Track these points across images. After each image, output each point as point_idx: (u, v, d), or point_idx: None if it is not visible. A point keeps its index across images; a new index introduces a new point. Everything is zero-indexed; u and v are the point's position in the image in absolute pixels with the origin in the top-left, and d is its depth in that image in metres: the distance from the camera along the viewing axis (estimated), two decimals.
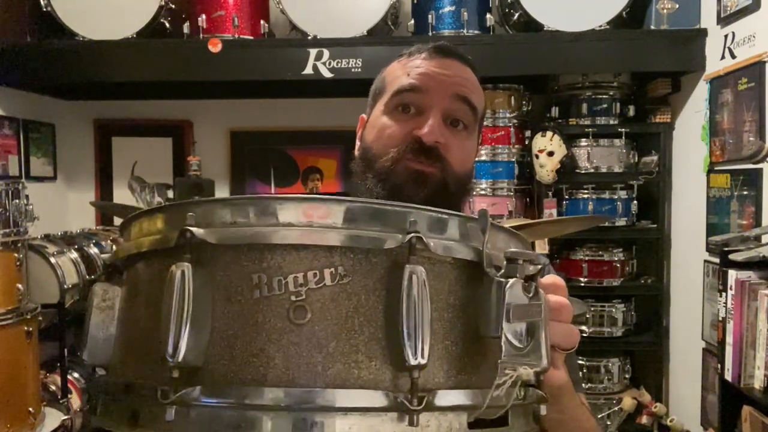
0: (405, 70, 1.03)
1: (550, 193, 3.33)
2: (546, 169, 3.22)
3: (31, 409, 2.49)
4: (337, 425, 0.54)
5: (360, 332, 0.57)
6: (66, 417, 2.71)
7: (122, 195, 3.82)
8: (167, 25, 3.28)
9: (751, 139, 2.60)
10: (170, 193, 3.81)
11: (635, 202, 3.33)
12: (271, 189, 3.86)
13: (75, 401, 2.91)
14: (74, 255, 2.98)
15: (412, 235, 0.57)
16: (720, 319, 2.28)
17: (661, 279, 3.37)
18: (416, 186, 0.98)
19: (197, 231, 0.57)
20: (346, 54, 3.10)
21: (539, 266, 0.63)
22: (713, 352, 2.71)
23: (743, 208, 2.65)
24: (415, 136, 0.98)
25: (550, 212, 3.28)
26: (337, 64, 3.10)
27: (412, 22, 3.26)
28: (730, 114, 2.78)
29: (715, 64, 2.93)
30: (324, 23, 3.14)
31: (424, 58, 1.03)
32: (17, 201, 2.50)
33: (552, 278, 0.78)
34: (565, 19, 3.10)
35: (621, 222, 3.33)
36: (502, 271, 0.60)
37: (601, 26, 3.10)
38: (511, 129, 3.38)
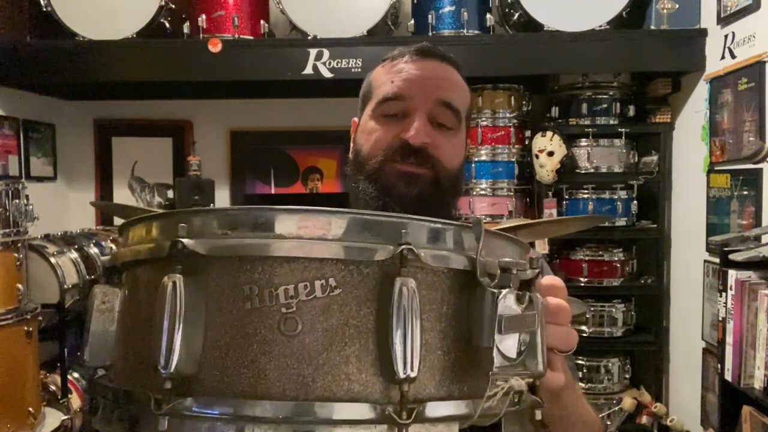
0: (389, 76, 1.05)
1: (550, 193, 3.33)
2: (546, 169, 3.21)
3: (31, 409, 2.50)
4: None
5: (350, 344, 0.57)
6: (66, 417, 2.71)
7: (122, 195, 3.82)
8: (167, 25, 3.27)
9: (751, 139, 2.60)
10: (170, 194, 3.81)
11: (635, 202, 3.33)
12: (271, 189, 3.85)
13: (75, 401, 2.91)
14: (74, 255, 2.98)
15: (404, 246, 0.57)
16: (720, 319, 2.28)
17: (661, 279, 3.37)
18: (407, 185, 1.00)
19: (188, 242, 0.57)
20: (346, 54, 3.09)
21: (537, 270, 0.62)
22: (713, 352, 2.71)
23: (743, 208, 2.65)
24: (402, 139, 1.00)
25: (550, 212, 3.28)
26: (337, 64, 3.10)
27: (412, 22, 3.26)
28: (730, 114, 2.78)
29: (715, 64, 2.93)
30: (324, 23, 3.13)
31: (406, 61, 1.05)
32: (17, 201, 2.50)
33: (551, 280, 0.78)
34: (565, 19, 3.10)
35: (621, 222, 3.33)
36: (496, 280, 0.60)
37: (601, 26, 3.10)
38: (511, 129, 3.38)
